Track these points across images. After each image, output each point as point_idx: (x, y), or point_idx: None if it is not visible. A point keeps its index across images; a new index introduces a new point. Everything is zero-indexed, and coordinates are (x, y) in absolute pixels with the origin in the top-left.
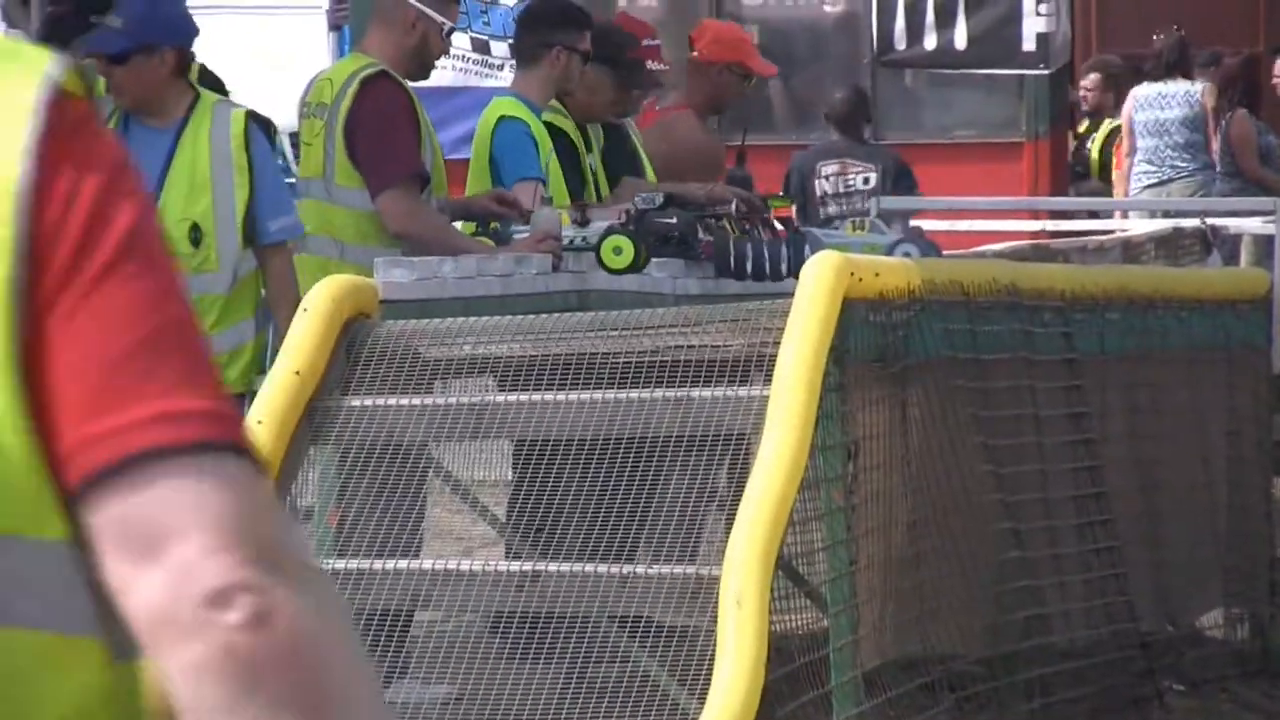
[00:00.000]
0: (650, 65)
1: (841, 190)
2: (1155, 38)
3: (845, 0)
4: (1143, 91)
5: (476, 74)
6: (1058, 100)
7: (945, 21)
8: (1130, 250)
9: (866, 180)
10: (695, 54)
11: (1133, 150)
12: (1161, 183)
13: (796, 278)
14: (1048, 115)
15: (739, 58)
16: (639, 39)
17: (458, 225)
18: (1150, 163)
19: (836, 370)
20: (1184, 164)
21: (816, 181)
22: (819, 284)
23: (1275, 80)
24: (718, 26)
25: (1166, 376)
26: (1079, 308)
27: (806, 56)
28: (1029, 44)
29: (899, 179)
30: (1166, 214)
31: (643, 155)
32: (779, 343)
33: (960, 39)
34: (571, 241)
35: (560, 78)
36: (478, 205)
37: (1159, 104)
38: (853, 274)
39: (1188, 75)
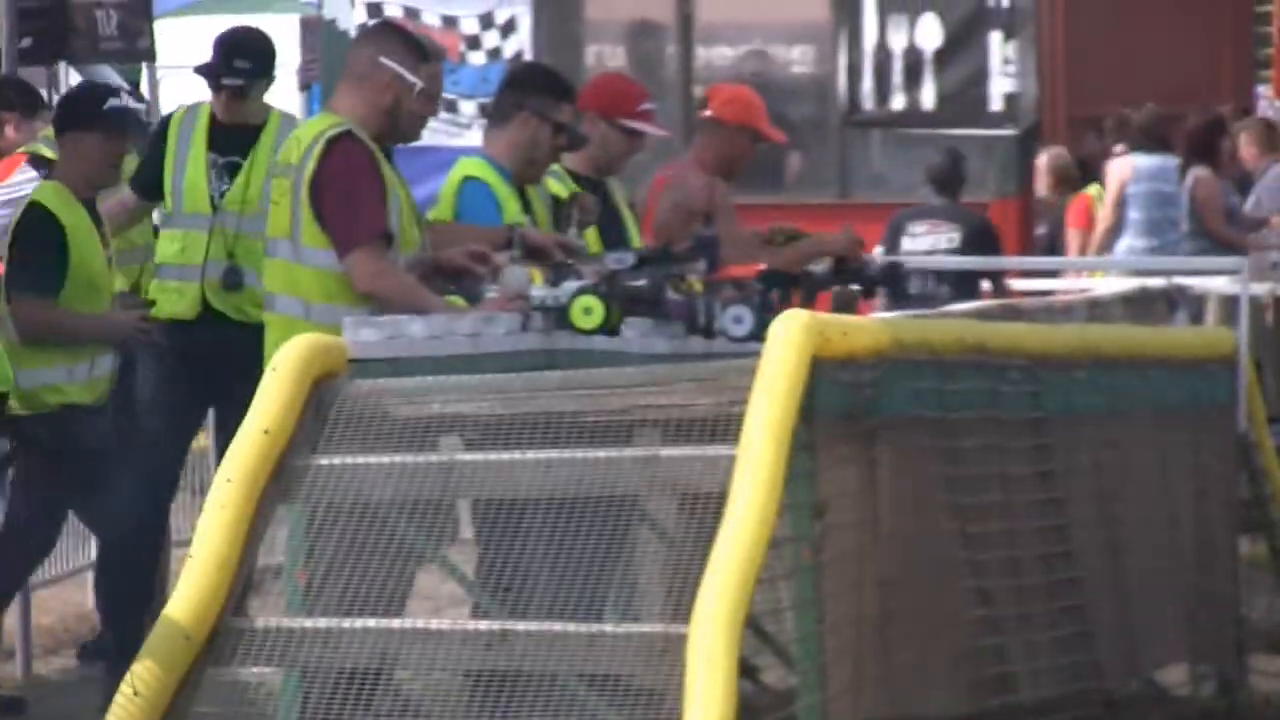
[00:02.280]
0: (645, 128)
1: (926, 249)
2: (1127, 110)
3: (814, 61)
4: (1142, 163)
5: (444, 133)
6: (1025, 160)
7: (913, 82)
8: (1096, 309)
9: (950, 240)
10: (710, 113)
11: (1120, 220)
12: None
13: (760, 339)
14: (1015, 175)
15: (753, 121)
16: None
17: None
18: (1153, 235)
19: (805, 429)
20: (1189, 242)
21: (904, 239)
22: (787, 343)
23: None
24: (733, 89)
25: (1133, 435)
26: (1046, 367)
27: (775, 117)
28: (996, 104)
29: (981, 240)
30: (1134, 273)
31: (624, 213)
32: (747, 402)
33: (928, 99)
34: (542, 301)
35: (528, 143)
36: (447, 261)
37: (1161, 176)
38: (821, 333)
39: (1169, 148)
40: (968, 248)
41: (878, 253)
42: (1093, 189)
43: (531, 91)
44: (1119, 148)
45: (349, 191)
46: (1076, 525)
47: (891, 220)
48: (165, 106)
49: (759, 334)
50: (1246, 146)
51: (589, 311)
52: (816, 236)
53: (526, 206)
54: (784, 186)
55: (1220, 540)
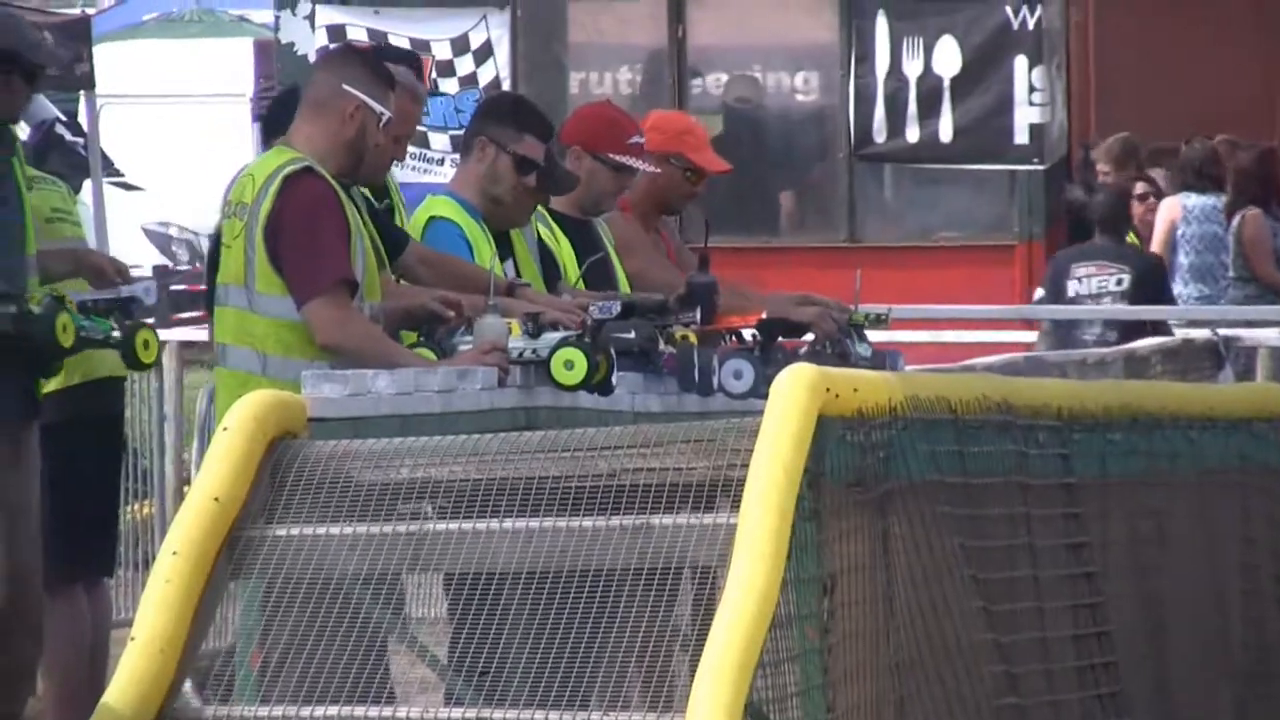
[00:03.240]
0: (636, 164)
1: (1094, 291)
2: (1185, 145)
3: (819, 89)
4: (1193, 203)
5: (413, 169)
6: (1053, 198)
7: (929, 112)
8: (1134, 364)
9: (1120, 282)
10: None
11: (1170, 265)
12: (1213, 302)
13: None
14: (1043, 214)
15: (679, 149)
16: (550, 133)
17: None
18: (1203, 281)
19: (811, 495)
20: (1236, 288)
21: (1069, 282)
22: (791, 400)
23: None
24: (660, 115)
25: (1175, 503)
26: (1078, 427)
27: (777, 150)
28: (1021, 136)
29: (1152, 282)
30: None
31: (614, 259)
32: (747, 465)
33: (946, 131)
34: (520, 354)
35: (486, 175)
36: (418, 308)
37: (1213, 217)
38: (828, 389)
39: (1221, 187)
40: (1138, 290)
41: (1038, 296)
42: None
43: (491, 120)
44: (1139, 186)
45: (309, 233)
46: (1112, 603)
47: (1053, 263)
48: (106, 139)
49: (761, 390)
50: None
51: (571, 365)
52: (773, 298)
53: (509, 251)
54: (785, 228)
55: (1272, 619)
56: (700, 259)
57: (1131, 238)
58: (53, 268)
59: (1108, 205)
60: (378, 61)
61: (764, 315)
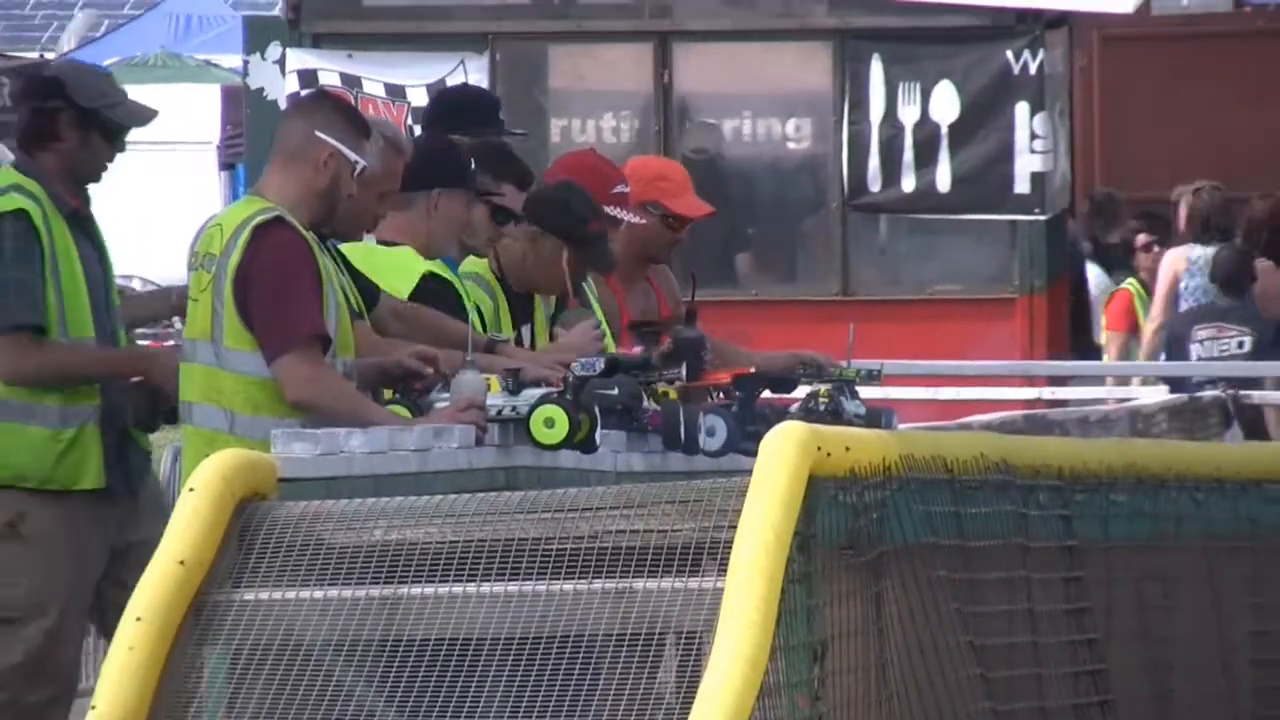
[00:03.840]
0: (622, 214)
1: (1216, 354)
2: (1193, 194)
3: (812, 137)
4: (1198, 254)
5: None
6: (1056, 249)
7: (926, 160)
8: (1139, 422)
9: (1241, 345)
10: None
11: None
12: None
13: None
14: (1044, 266)
15: (655, 196)
16: (599, 212)
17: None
18: None
19: (801, 558)
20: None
21: (1191, 346)
22: (781, 459)
23: None
24: (635, 162)
25: (1181, 567)
26: (1080, 487)
27: (768, 200)
28: (1022, 185)
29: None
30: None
31: (599, 313)
32: (735, 526)
33: (944, 180)
34: (499, 411)
35: (460, 227)
36: (393, 365)
37: None
38: (819, 448)
39: (1230, 238)
40: (1264, 353)
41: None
42: (1132, 284)
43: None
44: (1141, 237)
45: (280, 286)
46: (1116, 671)
47: (1170, 326)
48: None
49: (738, 447)
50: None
51: (552, 423)
52: (764, 357)
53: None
54: (776, 281)
55: None
56: (687, 313)
57: (1136, 286)
58: (142, 311)
59: (1229, 263)
60: (353, 108)
61: (747, 370)
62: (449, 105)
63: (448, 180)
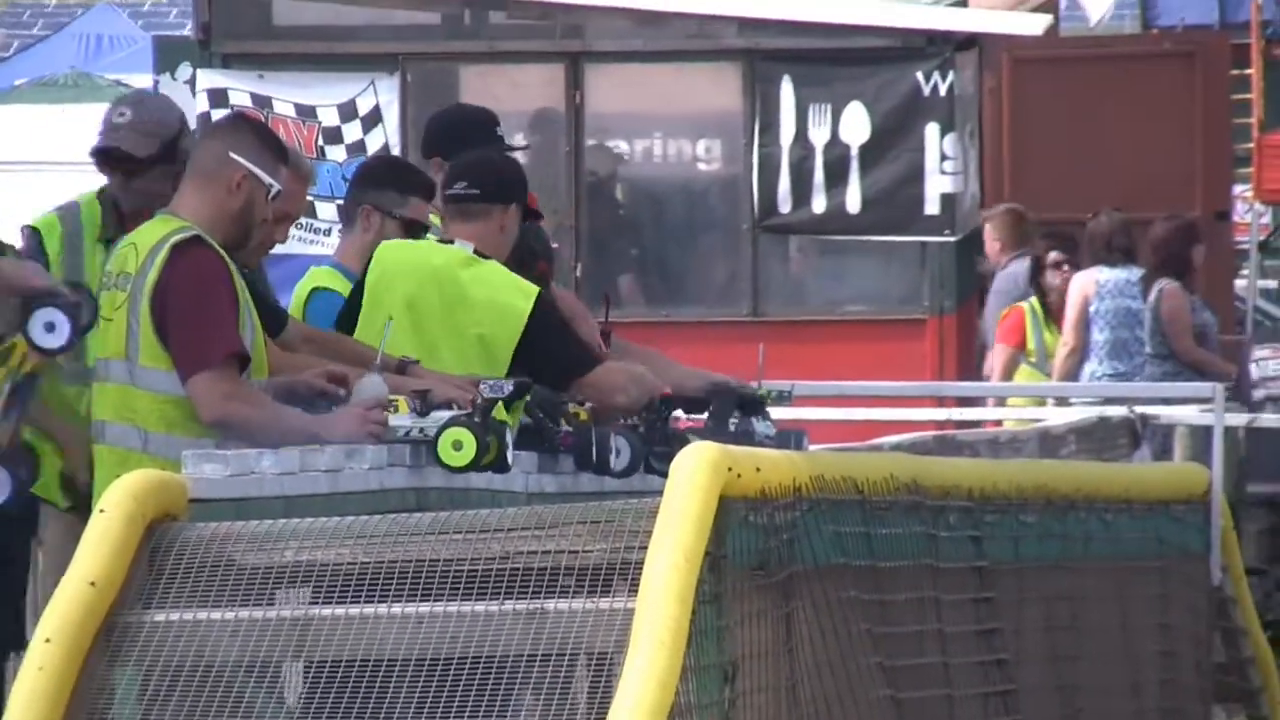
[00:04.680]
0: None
1: (1272, 374)
2: (1091, 217)
3: (722, 158)
4: (1106, 277)
5: (299, 240)
6: (965, 270)
7: (836, 181)
8: (1048, 443)
9: None
10: None
11: (1084, 342)
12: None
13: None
14: (954, 288)
15: None
16: (550, 254)
17: None
18: (1118, 358)
19: (712, 579)
20: (1153, 365)
21: (1250, 365)
22: (691, 480)
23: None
24: None
25: (1090, 588)
26: (990, 508)
27: (679, 221)
28: (932, 207)
29: None
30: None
31: None
32: (646, 547)
33: (854, 201)
34: (408, 433)
35: (374, 243)
36: (303, 385)
37: (1128, 291)
38: (730, 468)
39: (1132, 258)
40: None
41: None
42: (1032, 302)
43: (371, 186)
44: (1052, 255)
45: (198, 305)
46: (1026, 692)
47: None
48: None
49: (648, 468)
50: (990, 240)
51: (460, 446)
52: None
53: None
54: (687, 302)
55: (1192, 711)
56: (602, 334)
57: (1035, 305)
58: None
59: None
60: (269, 132)
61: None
62: (447, 126)
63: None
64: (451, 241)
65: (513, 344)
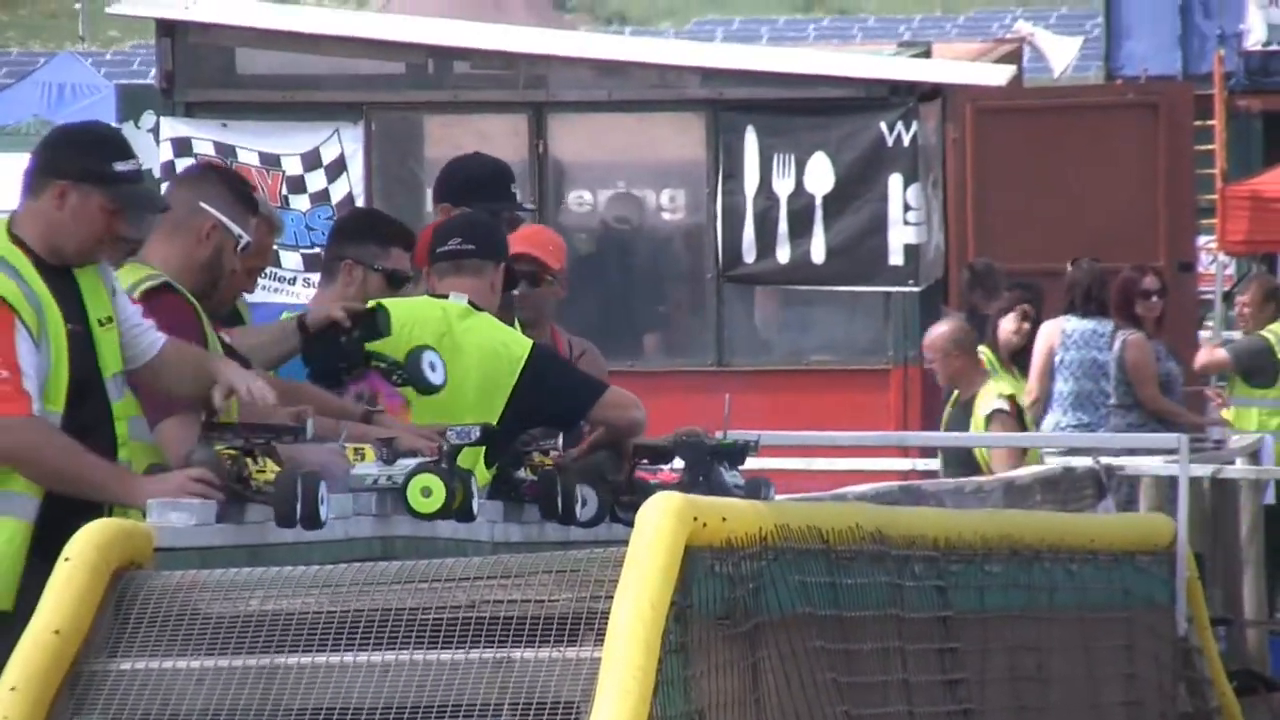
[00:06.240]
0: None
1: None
2: (1070, 265)
3: (686, 208)
4: (1073, 327)
5: (265, 288)
6: (930, 320)
7: (801, 231)
8: (1014, 493)
9: None
10: None
11: (1048, 391)
12: (1092, 430)
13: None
14: (918, 338)
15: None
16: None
17: None
18: (1083, 409)
19: (678, 629)
20: (1118, 416)
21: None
22: (657, 530)
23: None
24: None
25: (1056, 638)
26: (955, 558)
27: (643, 270)
28: (896, 257)
29: None
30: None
31: None
32: (612, 596)
33: (818, 251)
34: (375, 481)
35: (358, 297)
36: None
37: (1094, 343)
38: (695, 518)
39: (1106, 312)
40: None
41: None
42: (984, 351)
43: (351, 239)
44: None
45: None
46: None
47: None
48: None
49: (613, 517)
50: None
51: (429, 492)
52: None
53: None
54: (651, 352)
55: None
56: None
57: (988, 353)
58: None
59: None
60: (240, 182)
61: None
62: (465, 176)
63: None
64: (445, 296)
65: (508, 389)
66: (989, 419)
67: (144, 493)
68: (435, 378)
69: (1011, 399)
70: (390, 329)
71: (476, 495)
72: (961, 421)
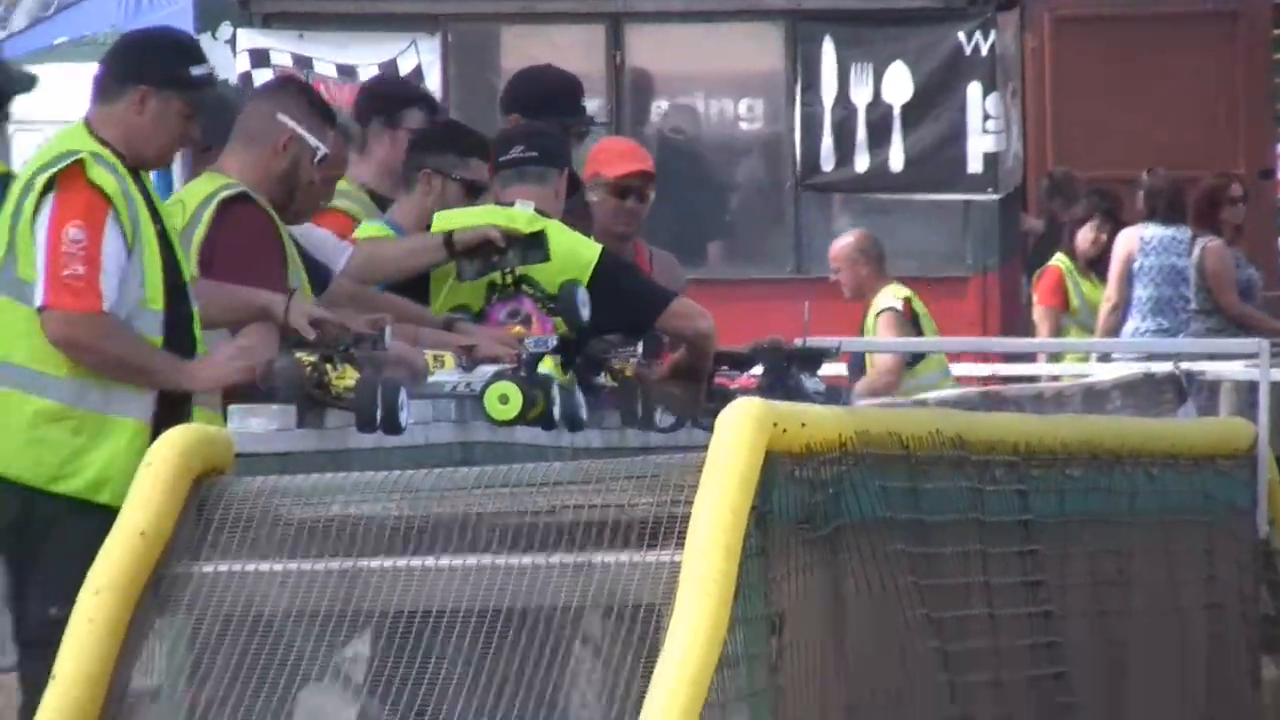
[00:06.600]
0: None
1: None
2: (1145, 174)
3: (765, 117)
4: (1151, 234)
5: None
6: (1008, 229)
7: (879, 140)
8: (1094, 398)
9: None
10: None
11: (1127, 297)
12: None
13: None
14: (997, 245)
15: (594, 170)
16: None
17: None
18: (1163, 314)
19: (758, 533)
20: (1198, 321)
21: None
22: (737, 435)
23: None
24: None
25: (1136, 542)
26: (1035, 463)
27: (721, 180)
28: (975, 165)
29: None
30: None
31: None
32: (692, 501)
33: (896, 160)
34: (454, 388)
35: (434, 206)
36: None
37: (1173, 249)
38: (775, 424)
39: (1184, 219)
40: None
41: None
42: (1061, 259)
43: (430, 149)
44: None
45: (246, 261)
46: (1071, 644)
47: None
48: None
49: (694, 424)
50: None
51: (506, 400)
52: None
53: None
54: (730, 261)
55: (1237, 663)
56: None
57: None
58: None
59: None
60: (317, 96)
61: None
62: (536, 87)
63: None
64: (511, 204)
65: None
66: (878, 317)
67: (198, 378)
68: (585, 314)
69: (907, 301)
70: (550, 254)
71: (559, 402)
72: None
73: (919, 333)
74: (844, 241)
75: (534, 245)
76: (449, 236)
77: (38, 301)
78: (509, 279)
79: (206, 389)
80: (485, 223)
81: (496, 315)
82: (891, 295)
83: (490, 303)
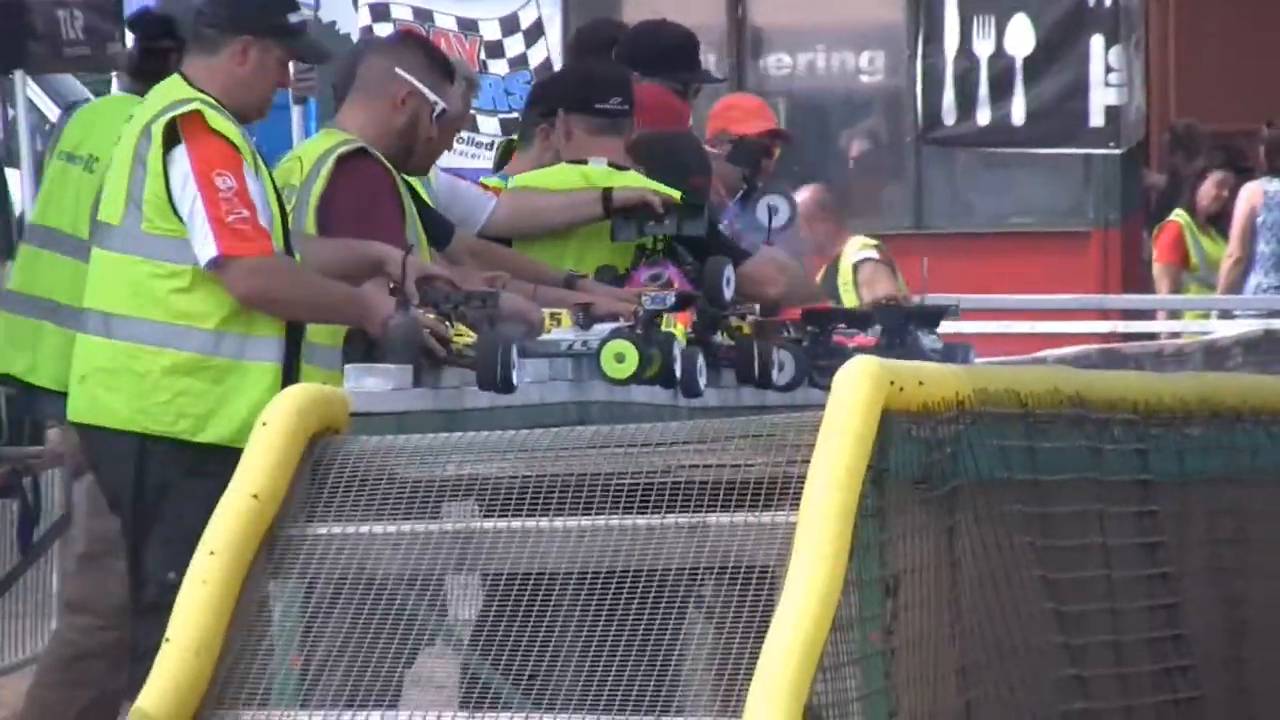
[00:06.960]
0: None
1: None
2: (1268, 126)
3: (885, 70)
4: (1274, 188)
5: (462, 153)
6: (1131, 183)
7: (1001, 94)
8: (1214, 356)
9: None
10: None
11: (1250, 252)
12: None
13: (823, 387)
14: (1119, 201)
15: (723, 126)
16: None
17: None
18: None
19: (874, 493)
20: None
21: None
22: (853, 394)
23: None
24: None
25: (1256, 501)
26: (1155, 422)
27: (841, 133)
28: (1097, 119)
29: None
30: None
31: None
32: (808, 461)
33: (1018, 114)
34: (570, 346)
35: (553, 160)
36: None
37: None
38: (892, 382)
39: None
40: None
41: None
42: (1180, 215)
43: (558, 97)
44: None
45: (364, 216)
46: (1190, 606)
47: None
48: None
49: (810, 381)
50: None
51: (622, 358)
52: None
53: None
54: (849, 214)
55: None
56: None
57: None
58: None
59: None
60: (436, 50)
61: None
62: (654, 43)
63: None
64: (585, 161)
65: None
66: (857, 266)
67: (378, 310)
68: (729, 292)
69: (878, 248)
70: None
71: (679, 360)
72: (831, 280)
73: (893, 273)
74: (803, 197)
75: (693, 215)
76: (607, 193)
77: (209, 253)
78: (659, 244)
79: (380, 319)
80: (557, 181)
81: (640, 278)
82: (861, 246)
83: (637, 265)
